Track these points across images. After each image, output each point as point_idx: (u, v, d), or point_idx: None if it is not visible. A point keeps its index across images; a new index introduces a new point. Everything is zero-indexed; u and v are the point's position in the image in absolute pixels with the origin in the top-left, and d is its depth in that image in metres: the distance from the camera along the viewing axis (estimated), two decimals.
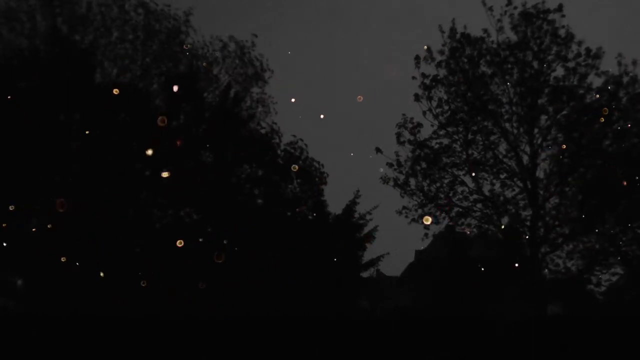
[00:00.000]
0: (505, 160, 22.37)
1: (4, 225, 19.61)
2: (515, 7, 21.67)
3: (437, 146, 22.59)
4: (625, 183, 21.03)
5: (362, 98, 21.08)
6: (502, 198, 22.44)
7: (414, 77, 22.39)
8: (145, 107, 21.49)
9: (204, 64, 23.79)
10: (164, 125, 19.44)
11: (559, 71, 21.69)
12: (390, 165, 22.82)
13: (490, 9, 21.76)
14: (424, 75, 22.34)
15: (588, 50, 21.48)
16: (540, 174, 22.28)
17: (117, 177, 19.96)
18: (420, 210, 22.74)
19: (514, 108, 22.13)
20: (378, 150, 22.61)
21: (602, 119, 21.29)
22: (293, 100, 22.81)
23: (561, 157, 21.86)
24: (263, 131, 23.47)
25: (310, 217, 24.16)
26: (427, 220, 22.01)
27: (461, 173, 22.70)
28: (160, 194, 21.22)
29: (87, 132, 20.38)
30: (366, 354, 17.19)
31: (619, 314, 23.81)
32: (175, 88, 20.75)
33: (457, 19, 22.31)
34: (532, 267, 22.04)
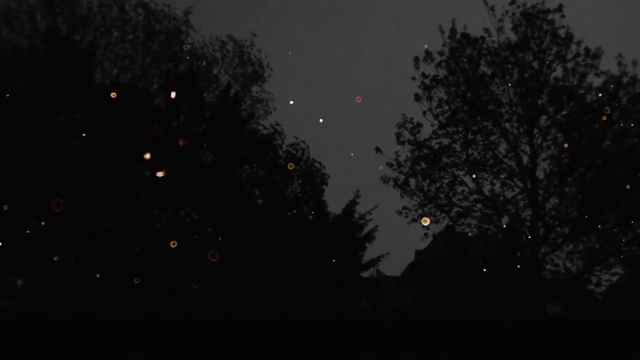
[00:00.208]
0: (505, 160, 22.40)
1: (4, 225, 19.61)
2: (519, 7, 21.69)
3: (437, 146, 22.60)
4: (625, 183, 21.01)
5: (360, 99, 21.07)
6: (502, 198, 22.45)
7: (413, 78, 22.42)
8: (145, 107, 21.49)
9: (204, 63, 23.82)
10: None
11: (559, 71, 21.75)
12: (390, 165, 22.84)
13: (492, 8, 21.78)
14: (424, 75, 22.37)
15: (587, 50, 21.50)
16: (540, 174, 22.33)
17: (117, 177, 19.95)
18: (420, 210, 22.77)
19: (514, 108, 22.14)
20: (378, 150, 22.64)
21: (603, 119, 21.30)
22: (291, 102, 22.88)
23: (563, 156, 21.83)
24: (265, 132, 23.47)
25: (310, 217, 24.16)
26: (426, 221, 22.01)
27: (461, 173, 22.74)
28: (160, 194, 21.22)
29: (86, 132, 20.37)
30: (366, 354, 17.18)
31: (619, 314, 23.80)
32: (173, 94, 20.74)
33: (457, 19, 22.41)
34: (532, 267, 22.04)
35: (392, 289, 38.81)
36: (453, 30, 22.24)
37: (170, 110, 21.79)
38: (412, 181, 22.78)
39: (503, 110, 22.24)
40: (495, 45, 21.99)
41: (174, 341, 16.28)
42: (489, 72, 22.11)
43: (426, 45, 22.28)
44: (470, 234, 23.72)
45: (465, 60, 22.15)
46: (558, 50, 21.62)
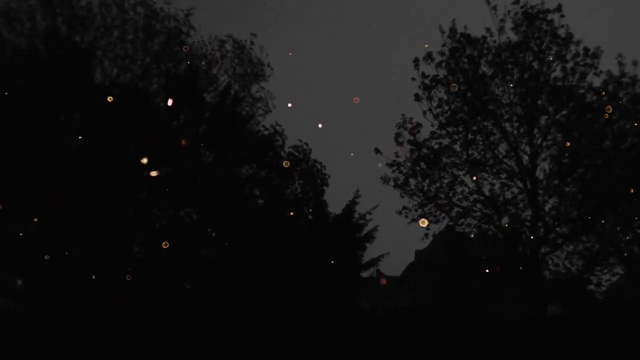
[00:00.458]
0: (505, 160, 22.37)
1: (4, 225, 19.62)
2: (522, 7, 21.67)
3: (437, 146, 22.59)
4: (625, 183, 21.01)
5: (358, 99, 21.06)
6: (502, 198, 22.43)
7: (413, 79, 22.40)
8: (145, 107, 21.49)
9: (203, 62, 23.81)
10: (159, 135, 19.46)
11: (559, 71, 21.73)
12: (390, 165, 22.83)
13: (494, 8, 21.76)
14: (424, 76, 22.34)
15: (586, 49, 21.48)
16: (540, 174, 22.31)
17: (117, 177, 19.95)
18: (420, 210, 22.75)
19: (513, 108, 22.13)
20: (377, 151, 22.63)
21: (603, 119, 21.29)
22: (290, 105, 22.90)
23: (566, 154, 21.78)
24: (266, 132, 23.46)
25: (310, 218, 24.17)
26: (424, 222, 21.99)
27: (461, 173, 22.72)
28: (160, 194, 21.23)
29: (86, 132, 20.38)
30: (366, 354, 17.18)
31: (619, 314, 23.80)
32: (170, 102, 20.72)
33: (457, 20, 22.35)
34: (532, 267, 22.03)
35: (392, 289, 38.84)
36: (453, 30, 22.23)
37: (170, 111, 21.79)
38: (412, 181, 22.78)
39: (503, 110, 22.23)
40: (496, 46, 21.98)
41: (174, 341, 16.27)
42: (489, 72, 22.10)
43: (427, 45, 22.28)
44: (472, 235, 23.66)
45: (466, 60, 22.14)
46: (558, 50, 21.60)
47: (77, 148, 20.57)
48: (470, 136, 22.37)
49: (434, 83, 22.27)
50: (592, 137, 21.54)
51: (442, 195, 22.70)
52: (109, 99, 19.25)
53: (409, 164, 22.75)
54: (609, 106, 20.94)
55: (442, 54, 22.27)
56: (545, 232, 22.07)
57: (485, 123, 22.28)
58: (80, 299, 18.63)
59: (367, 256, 25.54)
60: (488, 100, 22.04)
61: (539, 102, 21.88)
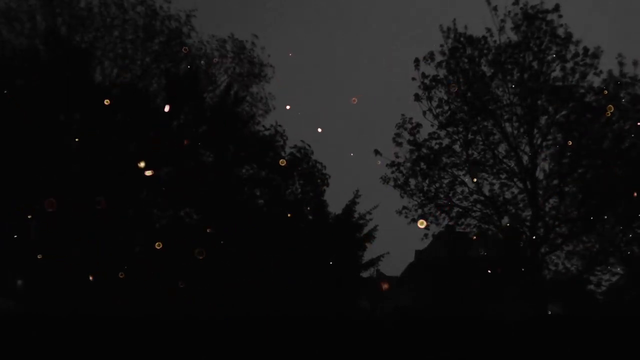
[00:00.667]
0: (505, 160, 22.37)
1: (4, 225, 19.62)
2: (522, 8, 21.68)
3: (437, 146, 22.59)
4: (625, 183, 21.01)
5: (356, 100, 21.05)
6: (502, 198, 22.44)
7: (413, 79, 22.40)
8: (145, 107, 21.49)
9: (202, 62, 23.81)
10: (159, 135, 19.46)
11: (558, 71, 21.73)
12: (390, 166, 22.83)
13: (495, 8, 21.76)
14: (424, 76, 22.34)
15: (586, 49, 21.48)
16: (540, 174, 22.31)
17: (117, 177, 19.95)
18: (420, 211, 22.75)
19: (513, 108, 22.13)
20: (377, 152, 22.64)
21: (603, 119, 21.30)
22: (288, 107, 22.91)
23: (567, 153, 21.75)
24: (267, 132, 23.46)
25: (310, 218, 24.17)
26: (422, 224, 21.98)
27: (461, 173, 22.72)
28: (160, 194, 21.23)
29: (86, 132, 20.38)
30: (366, 354, 17.17)
31: (619, 314, 23.79)
32: (167, 108, 20.70)
33: (457, 20, 22.34)
34: (532, 267, 22.03)
35: (392, 289, 38.85)
36: (453, 30, 22.22)
37: (170, 111, 21.78)
38: (412, 181, 22.79)
39: (503, 110, 22.22)
40: (496, 46, 21.98)
41: (174, 341, 16.26)
42: (489, 73, 22.10)
43: (434, 50, 22.28)
44: (474, 237, 23.61)
45: (466, 60, 22.15)
46: (557, 50, 21.60)
47: (77, 148, 20.57)
48: (470, 136, 22.37)
49: (434, 83, 22.28)
50: (592, 137, 21.54)
51: (442, 196, 22.70)
52: (106, 102, 19.21)
53: (408, 164, 22.76)
54: (610, 105, 20.92)
55: (443, 53, 22.29)
56: (545, 232, 22.07)
57: (485, 123, 22.28)
58: (80, 299, 18.62)
59: (367, 256, 25.59)
60: (488, 100, 22.04)
61: (539, 102, 21.89)
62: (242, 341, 16.58)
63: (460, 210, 22.76)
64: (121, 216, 20.28)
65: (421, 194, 22.72)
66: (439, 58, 22.23)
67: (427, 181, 22.68)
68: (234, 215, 21.00)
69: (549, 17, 21.61)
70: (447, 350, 17.35)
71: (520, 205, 22.36)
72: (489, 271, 26.00)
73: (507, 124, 22.21)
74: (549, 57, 21.66)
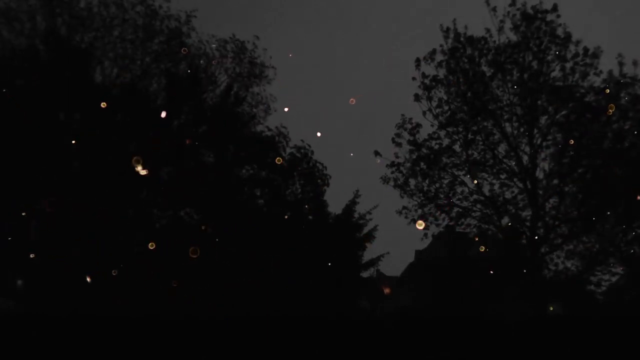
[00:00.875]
0: (505, 160, 22.38)
1: (4, 225, 19.61)
2: (518, 9, 21.70)
3: (436, 146, 22.59)
4: (624, 183, 21.00)
5: (354, 100, 21.03)
6: (502, 198, 22.44)
7: (414, 78, 22.41)
8: (145, 107, 21.49)
9: (201, 61, 23.82)
10: (159, 135, 19.46)
11: (558, 71, 21.73)
12: (389, 166, 22.84)
13: (494, 9, 21.78)
14: (424, 76, 22.35)
15: (586, 49, 21.49)
16: (540, 174, 22.32)
17: (117, 177, 19.95)
18: (420, 211, 22.76)
19: (513, 108, 22.14)
20: (377, 153, 22.65)
21: (603, 118, 21.30)
22: (286, 109, 23.02)
23: (570, 152, 21.74)
24: (269, 133, 23.46)
25: (310, 218, 24.17)
26: (421, 225, 21.99)
27: (461, 173, 22.72)
28: (160, 194, 21.23)
29: (86, 132, 20.38)
30: (366, 354, 17.17)
31: (619, 314, 23.79)
32: (164, 114, 20.66)
33: (457, 20, 22.35)
34: (532, 267, 22.03)
35: (392, 289, 38.86)
36: (454, 30, 22.22)
37: (171, 111, 21.78)
38: (412, 181, 22.80)
39: (503, 110, 22.23)
40: (495, 46, 21.99)
41: (174, 341, 16.27)
42: (489, 73, 22.10)
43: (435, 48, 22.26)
44: (476, 238, 23.58)
45: (466, 60, 22.15)
46: (557, 50, 21.61)
47: (77, 148, 20.56)
48: (470, 136, 22.38)
49: (434, 83, 22.29)
50: (592, 137, 21.55)
51: (442, 196, 22.71)
52: (103, 104, 19.19)
53: (408, 164, 22.76)
54: (612, 104, 20.93)
55: (443, 52, 22.30)
56: (545, 232, 22.07)
57: (485, 123, 22.29)
58: (80, 299, 18.62)
59: (367, 256, 25.59)
60: (488, 100, 22.05)
61: (539, 102, 21.90)
62: (242, 341, 16.58)
63: (460, 210, 22.77)
64: (121, 216, 20.27)
65: (421, 194, 22.73)
66: (439, 57, 22.27)
67: (427, 181, 22.69)
68: (234, 215, 21.00)
69: (548, 17, 21.63)
70: (447, 350, 17.35)
71: (520, 205, 22.37)
72: (489, 271, 25.98)
73: (507, 124, 22.23)
74: (549, 57, 21.68)
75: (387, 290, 38.68)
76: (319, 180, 24.02)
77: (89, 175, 19.93)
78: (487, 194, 22.53)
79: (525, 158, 22.21)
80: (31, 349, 15.27)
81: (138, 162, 18.28)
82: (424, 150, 22.58)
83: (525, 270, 22.57)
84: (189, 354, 16.31)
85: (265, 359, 16.40)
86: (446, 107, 22.37)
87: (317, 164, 24.05)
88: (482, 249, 22.86)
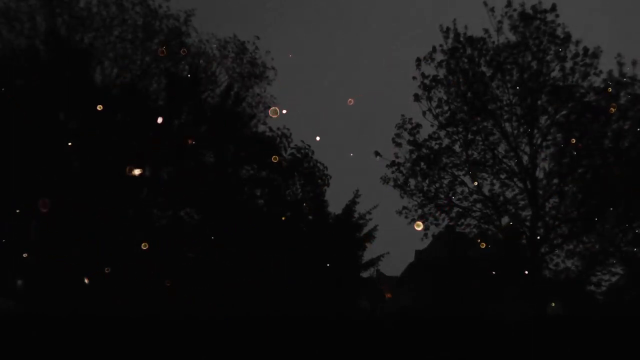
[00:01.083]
0: (505, 160, 22.39)
1: (4, 224, 19.61)
2: (515, 10, 21.73)
3: (436, 146, 22.60)
4: (624, 183, 21.01)
5: (352, 101, 21.05)
6: (502, 198, 22.45)
7: (414, 78, 22.44)
8: (145, 107, 21.48)
9: (200, 61, 23.81)
10: (159, 135, 19.46)
11: (558, 71, 21.73)
12: (389, 166, 22.84)
13: (492, 10, 21.80)
14: (423, 76, 22.36)
15: (586, 49, 21.50)
16: (540, 174, 22.33)
17: (117, 177, 19.94)
18: (420, 211, 22.79)
19: (513, 108, 22.14)
20: (377, 153, 22.66)
21: (603, 118, 21.30)
22: (284, 111, 22.98)
23: (573, 152, 21.74)
24: (271, 134, 23.46)
25: (310, 218, 24.17)
26: (419, 226, 22.01)
27: (461, 173, 22.74)
28: (160, 194, 21.22)
29: (86, 132, 20.37)
30: (366, 354, 17.17)
31: (619, 314, 23.79)
32: (160, 120, 20.60)
33: (457, 20, 22.37)
34: (532, 267, 22.03)
35: (392, 289, 38.85)
36: (453, 30, 22.23)
37: (171, 110, 21.79)
38: (412, 181, 22.82)
39: (503, 110, 22.24)
40: (494, 46, 22.00)
41: (174, 341, 16.27)
42: (489, 73, 22.11)
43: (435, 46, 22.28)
44: (480, 241, 23.56)
45: (465, 60, 22.17)
46: (556, 50, 21.61)
47: (77, 148, 20.56)
48: (470, 136, 22.40)
49: (433, 83, 22.30)
50: (592, 137, 21.55)
51: (442, 196, 22.73)
52: (99, 107, 19.18)
53: (408, 164, 22.77)
54: (614, 104, 20.94)
55: (444, 52, 22.31)
56: (545, 232, 22.08)
57: (485, 123, 22.31)
58: (80, 299, 18.61)
59: (367, 256, 25.58)
60: (488, 100, 22.07)
61: (539, 102, 21.91)
62: (242, 341, 16.58)
63: (460, 210, 22.79)
64: (121, 216, 20.26)
65: (421, 194, 22.75)
66: (439, 57, 22.29)
67: (427, 181, 22.72)
68: (234, 215, 20.99)
69: (548, 17, 21.63)
70: (447, 350, 17.35)
71: (520, 205, 22.39)
72: (489, 271, 25.98)
73: (507, 124, 22.26)
74: (548, 57, 21.69)
75: (387, 295, 38.66)
76: (319, 180, 24.02)
77: (89, 176, 19.92)
78: (487, 194, 22.56)
79: (525, 158, 22.24)
80: (31, 349, 15.27)
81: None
82: (424, 150, 22.59)
83: (525, 270, 22.57)
84: (189, 354, 16.31)
85: (265, 359, 16.40)
86: (446, 107, 22.41)
87: (318, 164, 24.06)
88: (482, 245, 22.88)
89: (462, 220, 22.99)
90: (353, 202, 25.16)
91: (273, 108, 19.25)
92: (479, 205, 22.77)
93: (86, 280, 19.27)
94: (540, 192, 22.24)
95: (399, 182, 22.83)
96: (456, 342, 17.56)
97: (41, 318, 16.32)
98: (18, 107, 19.61)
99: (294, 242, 21.89)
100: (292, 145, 23.72)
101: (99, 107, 19.18)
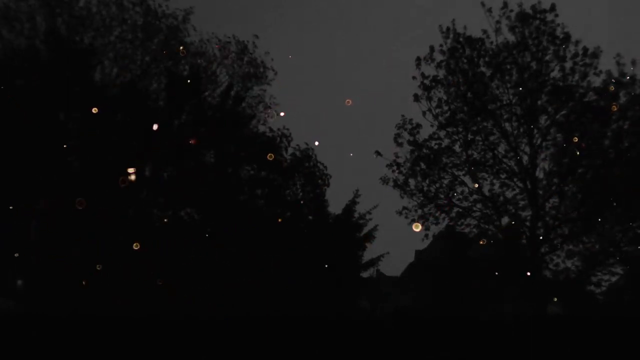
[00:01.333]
0: (505, 160, 22.38)
1: (4, 224, 19.61)
2: (512, 10, 21.75)
3: (436, 147, 22.59)
4: (624, 183, 21.00)
5: (350, 102, 21.05)
6: (502, 198, 22.44)
7: (414, 77, 22.44)
8: (145, 107, 21.48)
9: (199, 60, 23.82)
10: (159, 134, 19.46)
11: (557, 71, 21.73)
12: (389, 166, 22.84)
13: (489, 10, 21.79)
14: (423, 76, 22.36)
15: (585, 49, 21.49)
16: (540, 174, 22.32)
17: (117, 177, 19.94)
18: (420, 211, 22.77)
19: (513, 108, 22.14)
20: (378, 153, 22.67)
21: (602, 118, 21.29)
22: (282, 114, 23.06)
23: (576, 152, 21.73)
24: (271, 134, 23.46)
25: (310, 218, 24.18)
26: (417, 227, 22.01)
27: (461, 173, 22.73)
28: (160, 194, 21.22)
29: (86, 132, 20.37)
30: (366, 354, 17.17)
31: (619, 314, 23.78)
32: (155, 126, 20.61)
33: (457, 20, 22.38)
34: (532, 267, 22.02)
35: (392, 289, 38.82)
36: (452, 30, 22.23)
37: (171, 110, 21.80)
38: (412, 182, 22.81)
39: (503, 110, 22.24)
40: (494, 47, 22.00)
41: (174, 341, 16.27)
42: (488, 73, 22.10)
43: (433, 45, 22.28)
44: (482, 242, 23.56)
45: (465, 60, 22.16)
46: (556, 50, 21.61)
47: (77, 148, 20.56)
48: (470, 136, 22.38)
49: (433, 83, 22.29)
50: (592, 137, 21.55)
51: (442, 196, 22.71)
52: (94, 110, 19.19)
53: (408, 165, 22.77)
54: (615, 104, 20.94)
55: (442, 52, 22.30)
56: (545, 232, 22.07)
57: (485, 123, 22.30)
58: (80, 299, 18.61)
59: (367, 256, 25.60)
60: (488, 100, 22.06)
61: (539, 102, 21.90)
62: (242, 341, 16.59)
63: (460, 210, 22.77)
64: (121, 216, 20.26)
65: (421, 194, 22.74)
66: (438, 57, 22.29)
67: (427, 181, 22.70)
68: (234, 215, 20.99)
69: (547, 17, 21.62)
70: (447, 350, 17.36)
71: (520, 205, 22.37)
72: (489, 271, 25.98)
73: (507, 124, 22.24)
74: (547, 57, 21.69)
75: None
76: (319, 180, 24.03)
77: (89, 175, 19.91)
78: (487, 194, 22.54)
79: (525, 158, 22.22)
80: (31, 349, 15.27)
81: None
82: (424, 150, 22.59)
83: (525, 270, 22.56)
84: (189, 354, 16.31)
85: (265, 359, 16.41)
86: (446, 107, 22.40)
87: (319, 164, 24.08)
88: (483, 242, 22.88)
89: (462, 220, 22.98)
90: (353, 202, 25.18)
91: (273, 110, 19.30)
92: (479, 205, 22.77)
93: (84, 283, 19.26)
94: (540, 192, 22.23)
95: (399, 182, 22.83)
96: (456, 342, 17.57)
97: (41, 318, 16.33)
98: (18, 107, 19.61)
99: (294, 242, 21.89)
100: (292, 145, 23.76)
101: (94, 110, 19.20)
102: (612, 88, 21.07)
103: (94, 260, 19.30)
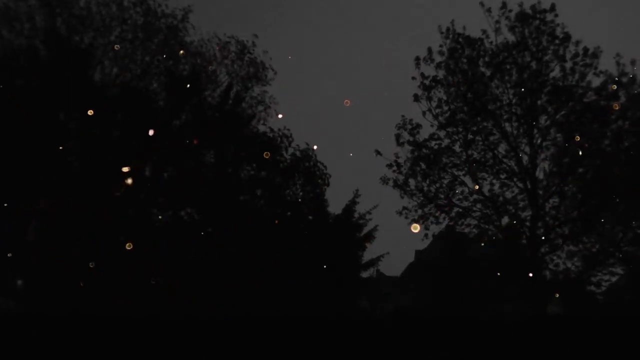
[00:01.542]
0: (505, 160, 22.38)
1: (4, 225, 19.61)
2: (510, 10, 21.76)
3: (436, 147, 22.60)
4: (624, 183, 21.00)
5: (349, 102, 21.09)
6: (502, 198, 22.44)
7: (413, 78, 22.45)
8: (145, 106, 21.49)
9: (198, 60, 23.85)
10: (159, 134, 19.46)
11: (557, 71, 21.74)
12: (389, 166, 22.85)
13: (489, 10, 21.80)
14: (423, 76, 22.37)
15: (585, 49, 21.50)
16: (540, 174, 22.32)
17: (117, 176, 19.96)
18: (420, 211, 22.77)
19: (513, 108, 22.14)
20: (377, 152, 22.68)
21: (602, 118, 21.29)
22: (280, 115, 23.09)
23: (577, 151, 21.72)
24: (271, 134, 23.48)
25: (310, 218, 24.18)
26: (416, 228, 22.01)
27: (461, 173, 22.73)
28: (160, 194, 21.23)
29: (86, 132, 20.37)
30: (366, 354, 17.17)
31: (619, 314, 23.78)
32: (151, 132, 20.62)
33: (457, 20, 22.44)
34: (532, 267, 22.02)
35: (392, 288, 38.83)
36: (452, 31, 22.24)
37: (171, 110, 21.80)
38: (412, 182, 22.81)
39: (503, 110, 22.24)
40: (493, 47, 22.01)
41: (174, 341, 16.27)
42: (488, 73, 22.11)
43: (431, 47, 22.28)
44: (483, 243, 23.54)
45: (465, 60, 22.17)
46: (556, 50, 21.61)
47: (77, 148, 20.57)
48: (470, 136, 22.39)
49: (433, 83, 22.30)
50: (592, 137, 21.54)
51: (442, 196, 22.71)
52: (89, 112, 19.20)
53: (408, 164, 22.77)
54: (616, 103, 20.94)
55: (442, 53, 22.31)
56: (545, 232, 22.06)
57: (485, 123, 22.30)
58: (80, 299, 18.62)
59: (367, 256, 25.59)
60: (488, 101, 22.06)
61: (539, 102, 21.90)
62: (242, 341, 16.58)
63: (460, 210, 22.77)
64: (121, 216, 20.27)
65: (421, 194, 22.74)
66: (437, 58, 22.30)
67: (427, 181, 22.70)
68: (234, 215, 21.00)
69: (547, 17, 21.62)
70: (447, 350, 17.36)
71: (520, 205, 22.37)
72: (489, 271, 25.98)
73: (507, 124, 22.24)
74: (547, 57, 21.69)
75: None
76: (319, 180, 24.04)
77: (89, 175, 19.92)
78: (487, 194, 22.54)
79: (525, 158, 22.23)
80: (31, 349, 15.27)
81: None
82: (424, 150, 22.59)
83: (525, 270, 22.56)
84: (189, 354, 16.31)
85: (265, 359, 16.41)
86: (446, 108, 22.41)
87: (318, 164, 24.10)
88: (484, 240, 22.89)
89: (462, 220, 22.97)
90: (353, 202, 25.18)
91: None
92: (479, 206, 22.77)
93: (83, 283, 19.27)
94: (540, 192, 22.22)
95: (399, 182, 22.84)
96: (456, 342, 17.57)
97: (41, 318, 16.33)
98: (18, 107, 19.61)
99: (294, 242, 21.89)
100: (293, 145, 23.77)
101: (90, 112, 19.23)
102: (614, 87, 21.04)
103: (94, 260, 19.31)
